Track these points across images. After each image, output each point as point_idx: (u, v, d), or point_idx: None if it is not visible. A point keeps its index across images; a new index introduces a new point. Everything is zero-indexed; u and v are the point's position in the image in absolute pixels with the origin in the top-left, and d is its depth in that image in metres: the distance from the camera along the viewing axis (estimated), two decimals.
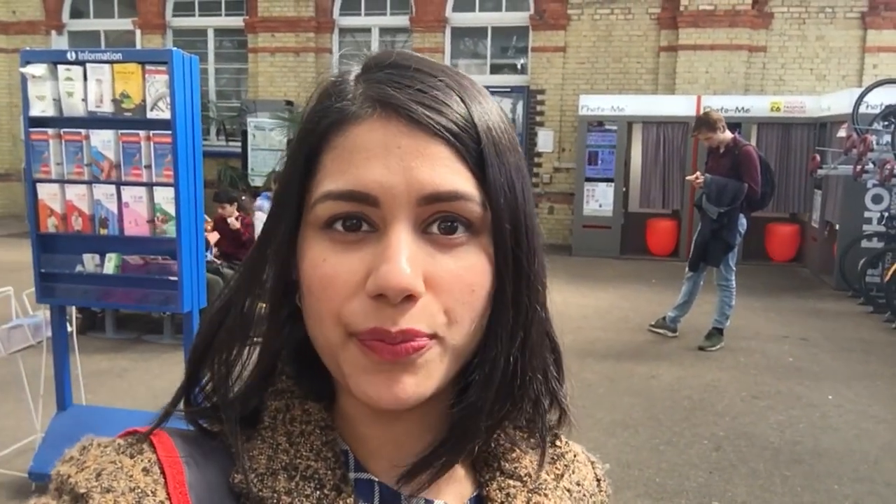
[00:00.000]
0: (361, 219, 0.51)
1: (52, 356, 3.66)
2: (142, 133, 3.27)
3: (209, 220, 6.71)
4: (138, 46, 12.76)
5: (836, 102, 9.26)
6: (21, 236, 10.32)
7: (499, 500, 0.58)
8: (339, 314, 0.50)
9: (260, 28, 12.47)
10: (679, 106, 10.45)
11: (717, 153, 6.26)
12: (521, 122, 11.68)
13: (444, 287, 0.50)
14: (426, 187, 0.50)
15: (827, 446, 4.39)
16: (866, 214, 8.68)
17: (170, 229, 3.31)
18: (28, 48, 3.71)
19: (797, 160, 10.31)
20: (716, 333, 6.39)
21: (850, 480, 3.96)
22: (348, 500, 0.53)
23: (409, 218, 0.50)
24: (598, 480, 0.69)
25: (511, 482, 0.59)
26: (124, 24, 13.26)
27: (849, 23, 10.88)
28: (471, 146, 0.51)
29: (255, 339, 0.58)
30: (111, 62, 3.24)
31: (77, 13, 13.60)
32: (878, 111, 8.19)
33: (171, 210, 3.29)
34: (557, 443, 0.65)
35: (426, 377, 0.51)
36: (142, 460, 0.51)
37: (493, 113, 0.54)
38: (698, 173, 6.39)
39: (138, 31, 13.12)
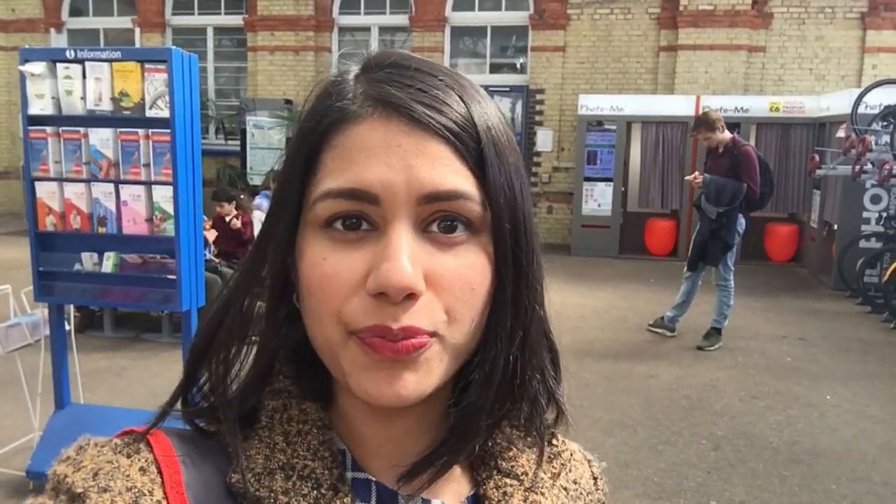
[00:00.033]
0: (361, 217, 0.51)
1: (50, 355, 3.66)
2: (140, 132, 3.27)
3: (206, 219, 6.71)
4: (138, 45, 12.77)
5: (836, 103, 9.26)
6: (19, 234, 10.31)
7: (496, 499, 0.58)
8: (340, 313, 0.50)
9: (259, 27, 12.46)
10: (678, 106, 10.45)
11: (716, 153, 6.26)
12: (521, 121, 11.68)
13: (444, 285, 0.51)
14: (426, 186, 0.50)
15: (825, 446, 4.40)
16: (865, 215, 8.69)
17: (168, 228, 3.31)
18: (27, 46, 3.71)
19: (796, 160, 10.31)
20: (714, 333, 6.39)
21: (847, 480, 3.97)
22: (345, 500, 0.53)
23: (410, 216, 0.50)
24: (595, 479, 0.69)
25: (508, 481, 0.59)
26: (124, 22, 13.25)
27: (848, 23, 10.89)
28: (471, 145, 0.52)
29: (253, 338, 0.58)
30: (110, 60, 3.24)
31: (76, 11, 13.59)
32: (877, 111, 8.19)
33: (170, 209, 3.29)
34: (554, 441, 0.66)
35: (427, 374, 0.51)
36: (139, 460, 0.51)
37: (492, 113, 0.54)
38: (697, 173, 6.39)
39: (137, 30, 13.11)
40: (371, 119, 0.51)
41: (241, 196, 7.68)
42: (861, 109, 8.18)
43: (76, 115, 3.29)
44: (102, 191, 3.33)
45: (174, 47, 3.27)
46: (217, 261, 6.63)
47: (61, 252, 3.46)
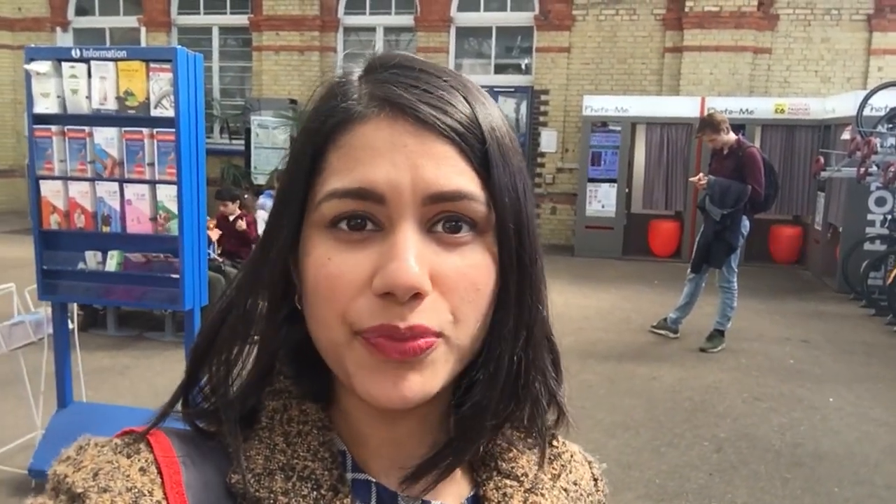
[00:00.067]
0: (367, 218, 0.51)
1: (53, 353, 3.67)
2: (145, 131, 3.27)
3: (210, 219, 6.72)
4: (143, 44, 12.79)
5: (841, 105, 9.24)
6: (24, 233, 10.33)
7: (495, 500, 0.58)
8: (345, 313, 0.50)
9: (264, 26, 12.48)
10: (683, 107, 10.43)
11: (721, 155, 6.25)
12: (525, 122, 11.68)
13: (449, 285, 0.51)
14: (431, 186, 0.50)
15: (828, 449, 4.39)
16: (869, 217, 8.67)
17: (172, 227, 3.32)
18: (33, 45, 3.72)
19: (801, 162, 10.29)
20: (717, 335, 6.38)
21: (850, 483, 3.96)
22: (345, 501, 0.53)
23: (415, 216, 0.50)
24: (596, 480, 0.69)
25: (508, 482, 0.59)
26: (129, 21, 13.29)
27: (854, 25, 10.86)
28: (476, 146, 0.52)
29: (255, 338, 0.58)
30: (115, 60, 3.24)
31: (82, 10, 13.63)
32: (882, 114, 8.17)
33: (174, 208, 3.30)
34: (554, 443, 0.65)
35: (432, 376, 0.51)
36: (139, 460, 0.51)
37: (495, 115, 0.55)
38: (702, 175, 6.38)
39: (143, 29, 13.14)
40: (377, 119, 0.51)
41: (245, 195, 7.70)
42: (866, 111, 8.15)
43: (81, 113, 3.30)
44: (107, 190, 3.34)
45: (179, 47, 3.28)
46: (221, 260, 6.64)
47: (65, 250, 3.47)
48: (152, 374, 5.40)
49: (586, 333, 6.64)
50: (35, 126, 3.34)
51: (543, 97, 11.81)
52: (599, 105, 10.71)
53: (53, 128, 3.33)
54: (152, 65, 3.23)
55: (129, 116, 3.27)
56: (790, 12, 10.99)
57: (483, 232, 0.52)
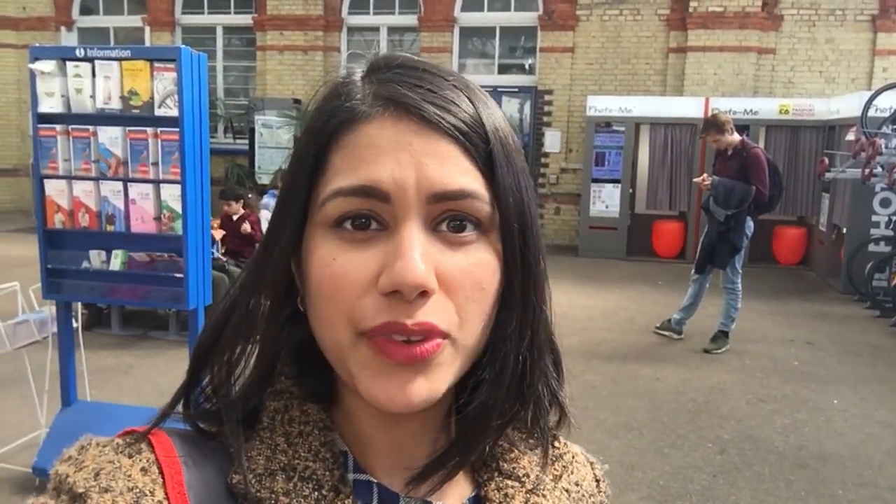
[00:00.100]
0: (371, 217, 0.51)
1: (57, 352, 3.68)
2: (149, 130, 3.28)
3: (214, 218, 6.73)
4: (147, 43, 12.81)
5: (846, 105, 9.22)
6: (28, 232, 10.37)
7: (497, 501, 0.58)
8: (350, 313, 0.50)
9: (269, 26, 12.49)
10: (687, 107, 10.42)
11: (725, 155, 6.24)
12: (529, 122, 11.67)
13: (454, 284, 0.51)
14: (436, 185, 0.50)
15: (832, 451, 4.37)
16: (874, 218, 8.65)
17: (176, 226, 3.32)
18: (37, 44, 3.73)
19: (805, 163, 10.28)
20: (721, 336, 6.37)
21: (854, 485, 3.95)
22: (346, 501, 0.53)
23: (420, 215, 0.50)
24: (598, 481, 0.69)
25: (509, 482, 0.59)
26: (134, 20, 13.31)
27: (859, 25, 10.84)
28: (480, 146, 0.52)
29: (258, 338, 0.58)
30: (120, 59, 3.25)
31: (87, 10, 13.66)
32: (887, 115, 8.13)
33: (178, 207, 3.30)
34: (556, 443, 0.65)
35: (438, 379, 0.51)
36: (140, 460, 0.51)
37: (498, 115, 0.55)
38: (706, 175, 6.37)
39: (147, 28, 13.16)
40: (381, 118, 0.51)
41: (249, 195, 7.71)
42: (871, 112, 8.13)
43: (85, 113, 3.31)
44: (111, 189, 3.35)
45: (183, 46, 3.28)
46: (224, 259, 6.66)
47: (69, 250, 3.48)
48: (156, 374, 5.41)
49: (590, 334, 6.63)
50: (39, 125, 3.35)
51: (547, 97, 11.80)
52: (603, 105, 10.70)
53: (58, 127, 3.34)
54: (156, 64, 3.24)
55: (133, 116, 3.28)
56: (794, 13, 10.97)
57: (487, 231, 0.52)
